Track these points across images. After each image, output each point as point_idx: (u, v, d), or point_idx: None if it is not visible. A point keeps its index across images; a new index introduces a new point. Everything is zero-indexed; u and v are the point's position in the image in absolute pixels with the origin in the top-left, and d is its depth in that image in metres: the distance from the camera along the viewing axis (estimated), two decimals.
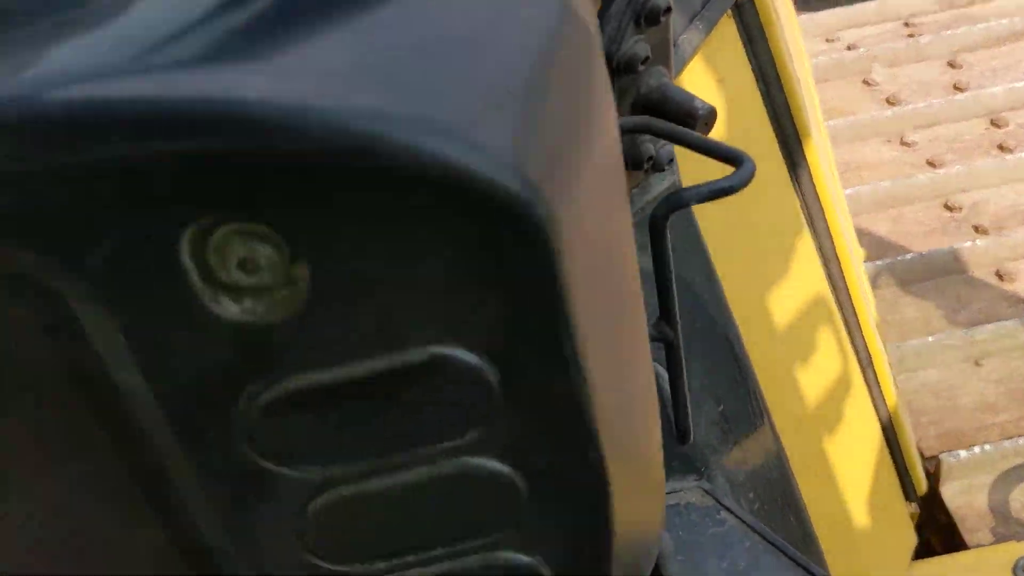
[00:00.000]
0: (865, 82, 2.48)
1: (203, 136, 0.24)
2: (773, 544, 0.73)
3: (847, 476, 1.26)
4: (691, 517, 0.76)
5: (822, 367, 1.18)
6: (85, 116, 0.24)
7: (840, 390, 1.25)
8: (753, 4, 0.94)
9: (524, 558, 0.35)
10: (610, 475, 0.32)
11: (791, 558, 0.71)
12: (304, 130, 0.25)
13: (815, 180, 1.13)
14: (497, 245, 0.27)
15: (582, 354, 0.29)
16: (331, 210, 0.26)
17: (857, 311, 1.27)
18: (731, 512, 0.76)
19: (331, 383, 0.28)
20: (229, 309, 0.26)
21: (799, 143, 1.08)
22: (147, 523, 0.31)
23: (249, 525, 0.31)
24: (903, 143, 2.32)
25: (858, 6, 2.72)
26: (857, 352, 1.29)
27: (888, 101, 2.42)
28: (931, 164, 2.26)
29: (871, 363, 1.34)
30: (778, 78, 1.00)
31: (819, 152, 1.15)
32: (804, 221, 1.14)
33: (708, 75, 0.87)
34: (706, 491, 0.78)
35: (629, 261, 0.34)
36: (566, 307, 0.28)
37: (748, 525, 0.74)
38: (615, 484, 0.33)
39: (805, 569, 0.69)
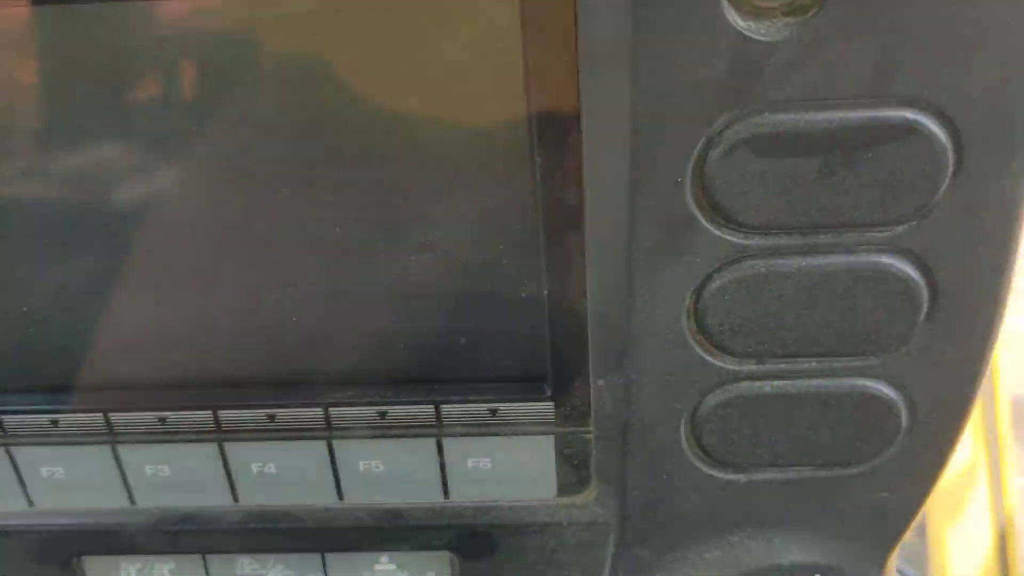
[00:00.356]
0: None
1: None
2: None
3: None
4: None
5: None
6: None
7: (964, 478, 1.18)
8: None
9: (890, 393, 0.31)
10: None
11: None
12: None
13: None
14: None
15: None
16: None
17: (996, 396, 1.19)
18: None
19: (799, 129, 0.26)
20: (737, 20, 0.25)
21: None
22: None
23: (655, 286, 0.28)
24: None
25: None
26: (988, 443, 1.21)
27: None
28: None
29: (999, 459, 1.25)
30: None
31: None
32: None
33: None
34: None
35: None
36: None
37: None
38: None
39: None
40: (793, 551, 0.34)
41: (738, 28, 0.25)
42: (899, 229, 0.28)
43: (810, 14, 0.25)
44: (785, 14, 0.25)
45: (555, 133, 0.27)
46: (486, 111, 0.27)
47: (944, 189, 0.27)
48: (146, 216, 0.29)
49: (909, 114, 0.26)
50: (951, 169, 0.26)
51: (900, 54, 0.25)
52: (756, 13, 0.25)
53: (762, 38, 0.25)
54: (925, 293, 0.29)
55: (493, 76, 0.26)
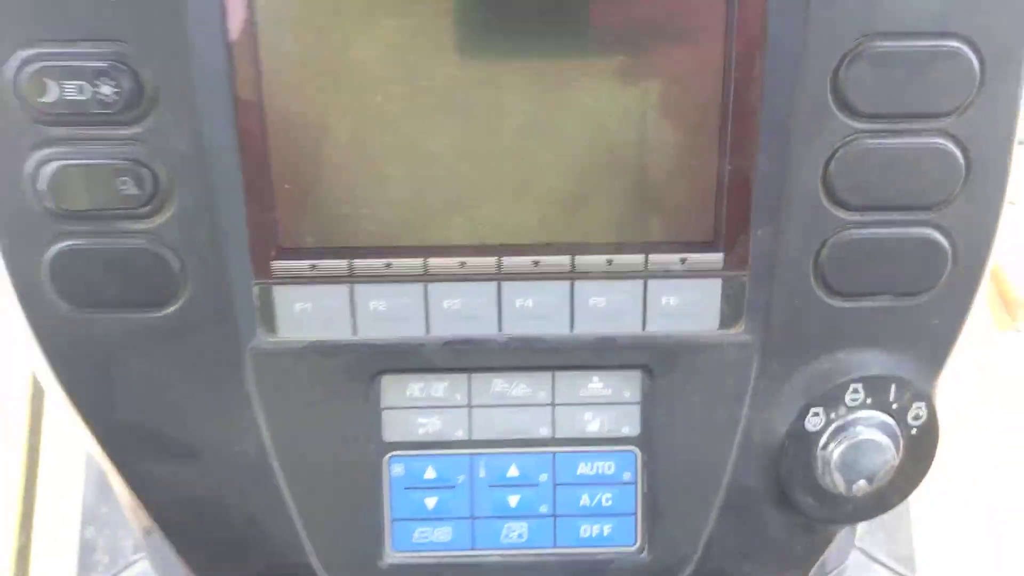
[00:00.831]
0: None
1: None
2: None
3: None
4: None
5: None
6: None
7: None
8: None
9: (940, 239, 0.48)
10: None
11: None
12: None
13: None
14: None
15: None
16: None
17: None
18: (884, 565, 0.80)
19: (894, 52, 0.43)
20: None
21: None
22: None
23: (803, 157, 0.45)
24: None
25: None
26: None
27: None
28: None
29: None
30: None
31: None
32: None
33: None
34: (859, 549, 0.84)
35: None
36: None
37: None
38: None
39: None
40: (876, 366, 0.50)
41: None
42: (948, 120, 0.45)
43: None
44: None
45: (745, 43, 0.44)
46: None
47: (974, 94, 0.45)
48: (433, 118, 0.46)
49: (953, 43, 0.44)
50: (978, 80, 0.45)
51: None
52: None
53: None
54: (963, 166, 0.46)
55: None
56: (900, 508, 0.99)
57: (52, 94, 0.43)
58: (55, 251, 0.46)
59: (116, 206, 0.46)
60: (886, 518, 0.99)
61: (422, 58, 0.45)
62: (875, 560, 0.90)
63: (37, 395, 1.03)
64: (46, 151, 0.44)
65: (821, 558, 0.56)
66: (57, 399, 0.52)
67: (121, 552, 0.91)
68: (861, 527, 0.89)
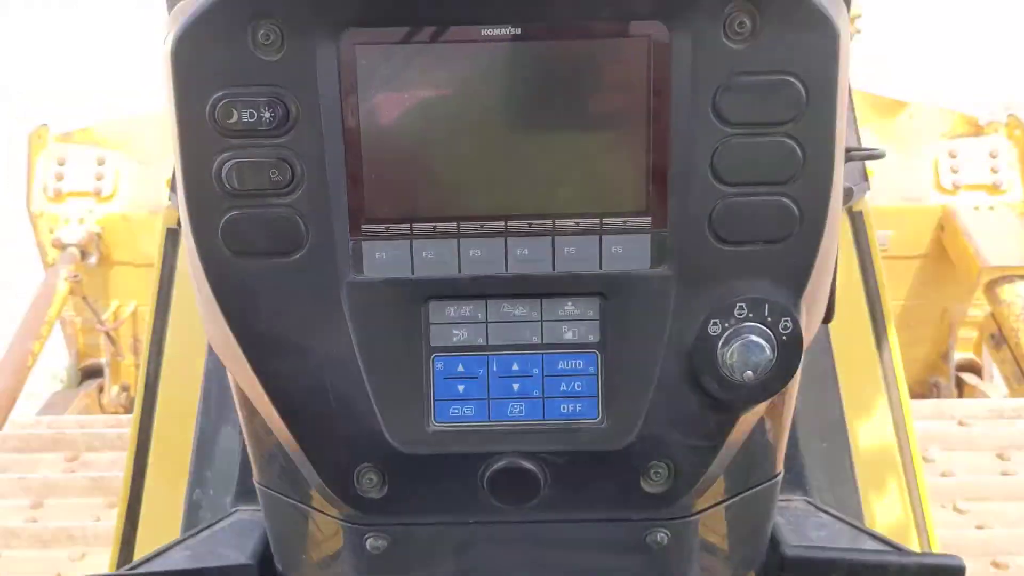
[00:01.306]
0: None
1: None
2: (870, 533, 0.98)
3: None
4: (796, 514, 1.03)
5: (886, 509, 1.41)
6: None
7: (898, 535, 1.44)
8: (863, 214, 1.33)
9: (791, 204, 0.75)
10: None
11: (884, 540, 0.96)
12: None
13: (893, 355, 1.44)
14: None
15: None
16: None
17: (917, 473, 1.48)
18: (830, 514, 1.03)
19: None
20: None
21: (884, 323, 1.41)
22: None
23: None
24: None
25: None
26: (914, 510, 1.48)
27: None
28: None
29: (924, 523, 1.51)
30: (874, 269, 1.37)
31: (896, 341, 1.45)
32: (883, 386, 1.43)
33: None
34: (808, 502, 1.07)
35: None
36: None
37: (846, 521, 1.01)
38: None
39: (896, 547, 0.94)
40: (754, 291, 0.76)
41: None
42: (789, 126, 0.72)
43: None
44: None
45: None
46: None
47: (804, 108, 0.72)
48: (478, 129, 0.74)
49: (788, 77, 0.71)
50: (805, 100, 0.72)
51: None
52: None
53: None
54: (801, 156, 0.72)
55: None
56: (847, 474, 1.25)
57: (233, 118, 0.72)
58: (227, 218, 0.74)
59: (267, 188, 0.74)
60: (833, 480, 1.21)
61: (460, 112, 0.74)
62: (822, 510, 1.13)
63: (152, 374, 1.30)
64: (227, 154, 0.73)
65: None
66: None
67: (222, 507, 1.16)
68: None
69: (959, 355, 3.48)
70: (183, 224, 0.76)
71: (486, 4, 0.71)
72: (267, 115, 0.72)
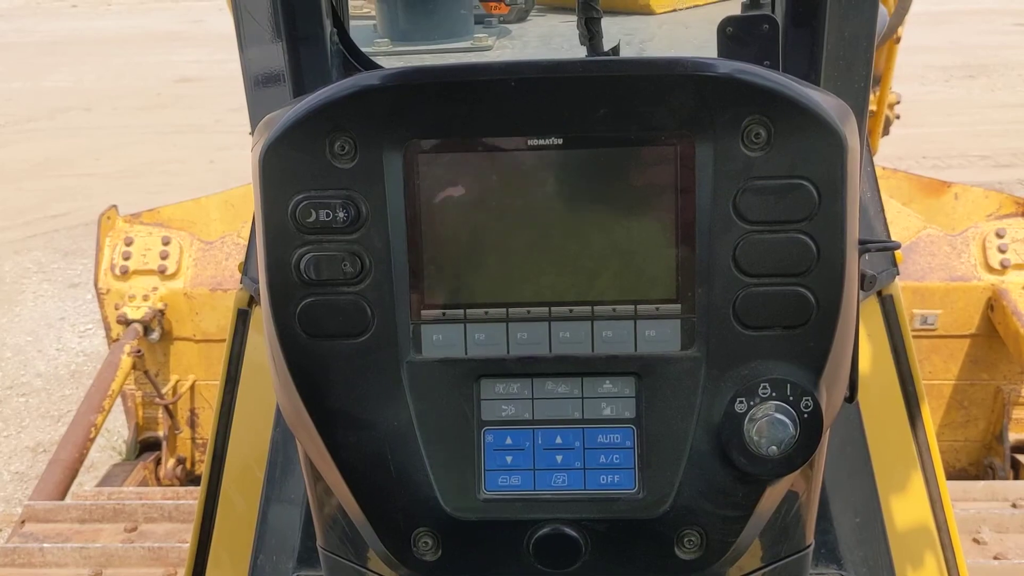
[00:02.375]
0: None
1: None
2: None
3: None
4: None
5: None
6: None
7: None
8: (893, 298, 1.40)
9: (807, 294, 0.83)
10: None
11: None
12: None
13: (928, 435, 1.45)
14: None
15: None
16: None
17: (956, 553, 1.48)
18: None
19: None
20: None
21: (917, 402, 1.44)
22: None
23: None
24: None
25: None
26: None
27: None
28: None
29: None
30: (905, 350, 1.41)
31: (930, 420, 1.46)
32: (918, 464, 1.44)
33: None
34: (843, 575, 1.12)
35: None
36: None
37: None
38: None
39: None
40: (776, 372, 0.82)
41: None
42: (803, 224, 0.80)
43: None
44: None
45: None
46: None
47: (817, 208, 0.80)
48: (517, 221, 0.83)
49: (800, 181, 0.79)
50: (818, 201, 0.80)
51: None
52: None
53: None
54: (815, 252, 0.80)
55: None
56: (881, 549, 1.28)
57: (312, 217, 0.82)
58: (303, 304, 0.84)
59: (339, 278, 0.83)
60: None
61: (508, 211, 0.83)
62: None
63: (219, 446, 1.39)
64: (305, 248, 0.83)
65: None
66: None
67: (284, 572, 1.24)
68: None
69: (1014, 436, 3.43)
70: (263, 308, 0.86)
71: (532, 120, 0.81)
72: (341, 215, 0.82)
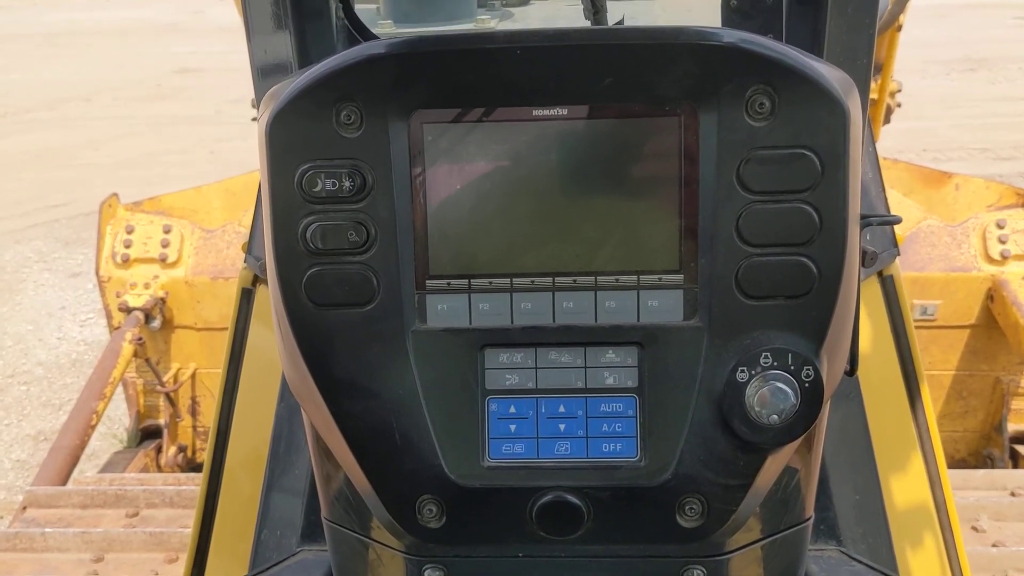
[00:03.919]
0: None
1: None
2: None
3: None
4: (830, 563, 1.08)
5: (922, 566, 1.41)
6: None
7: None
8: (893, 278, 1.40)
9: (809, 264, 0.83)
10: None
11: None
12: None
13: (928, 416, 1.45)
14: None
15: None
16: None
17: (955, 533, 1.49)
18: (864, 563, 1.07)
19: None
20: None
21: (917, 383, 1.44)
22: None
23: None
24: None
25: None
26: (952, 570, 1.48)
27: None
28: None
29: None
30: (906, 331, 1.42)
31: (930, 401, 1.47)
32: (917, 444, 1.44)
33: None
34: (842, 551, 1.12)
35: None
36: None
37: (880, 571, 1.05)
38: None
39: None
40: (778, 341, 0.83)
41: None
42: (805, 194, 0.80)
43: None
44: None
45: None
46: None
47: (820, 178, 0.81)
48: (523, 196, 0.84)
49: (803, 150, 0.79)
50: (820, 170, 0.81)
51: None
52: None
53: None
54: (817, 222, 0.80)
55: None
56: (881, 527, 1.29)
57: (318, 187, 0.83)
58: (309, 273, 0.85)
59: (345, 247, 0.84)
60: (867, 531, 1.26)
61: (513, 181, 0.84)
62: (856, 560, 1.17)
63: (223, 422, 1.40)
64: (311, 218, 0.83)
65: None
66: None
67: (287, 548, 1.25)
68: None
69: (1013, 426, 3.45)
70: (270, 278, 0.87)
71: (538, 88, 0.81)
72: (347, 184, 0.83)
